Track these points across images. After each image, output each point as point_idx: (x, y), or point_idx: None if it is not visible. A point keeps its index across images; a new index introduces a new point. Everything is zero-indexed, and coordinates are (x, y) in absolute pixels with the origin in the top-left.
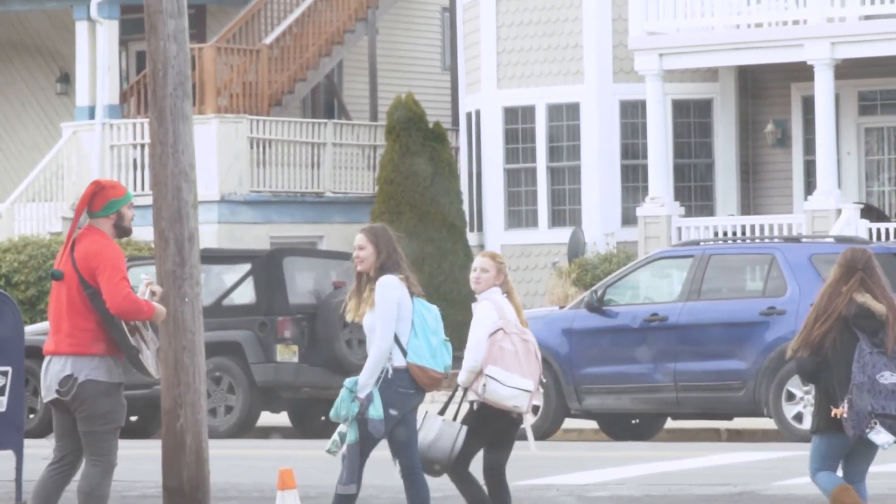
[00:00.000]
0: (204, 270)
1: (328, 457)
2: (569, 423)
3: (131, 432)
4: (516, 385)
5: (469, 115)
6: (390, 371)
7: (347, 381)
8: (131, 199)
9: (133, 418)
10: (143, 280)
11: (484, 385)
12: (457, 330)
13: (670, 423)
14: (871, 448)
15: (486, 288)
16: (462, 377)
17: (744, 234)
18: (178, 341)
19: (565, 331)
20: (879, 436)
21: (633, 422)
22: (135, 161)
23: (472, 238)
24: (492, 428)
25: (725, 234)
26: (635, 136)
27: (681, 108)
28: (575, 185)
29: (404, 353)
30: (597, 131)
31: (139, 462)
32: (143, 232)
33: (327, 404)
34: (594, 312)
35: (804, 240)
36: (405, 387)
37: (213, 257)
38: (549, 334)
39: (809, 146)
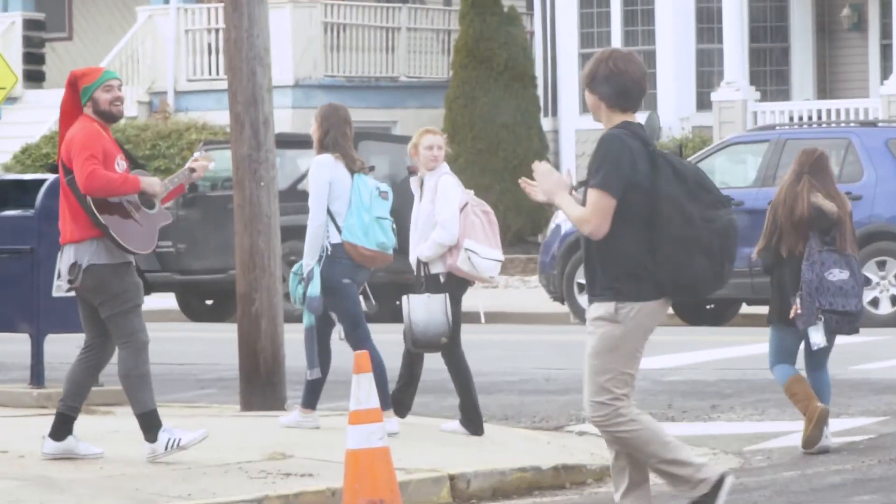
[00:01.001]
0: (279, 155)
1: (400, 339)
2: None
3: (206, 316)
4: (491, 256)
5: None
6: (329, 248)
7: (294, 266)
8: (107, 80)
9: (208, 302)
10: (193, 157)
11: (469, 259)
12: (532, 214)
13: (745, 309)
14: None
15: (440, 164)
16: (429, 251)
17: (819, 118)
18: (253, 225)
19: None
20: (815, 335)
21: (709, 307)
22: (209, 46)
23: (546, 123)
24: (456, 299)
25: (801, 118)
26: (710, 20)
27: None
28: (650, 69)
29: (339, 230)
30: (672, 15)
31: (214, 345)
32: (220, 116)
33: (402, 288)
34: None
35: (880, 124)
36: (349, 259)
37: (288, 142)
38: None
39: (886, 30)
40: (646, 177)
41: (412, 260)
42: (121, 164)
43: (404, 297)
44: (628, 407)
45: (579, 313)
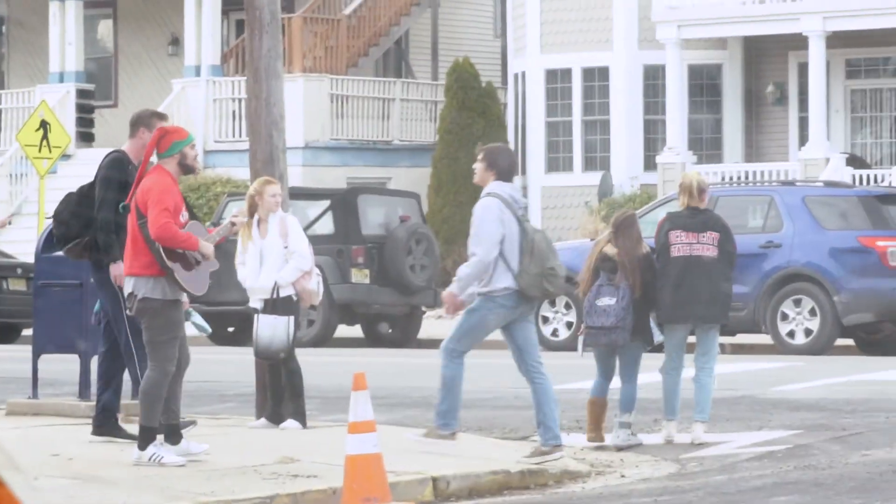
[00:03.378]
0: (291, 205)
1: (396, 363)
2: None
3: (229, 340)
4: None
5: (516, 76)
6: None
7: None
8: (193, 141)
9: (230, 329)
10: (232, 213)
11: (318, 283)
12: None
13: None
14: (624, 354)
15: (279, 208)
16: (291, 276)
17: (747, 178)
18: None
19: None
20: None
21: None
22: (234, 112)
23: (516, 181)
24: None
25: (731, 178)
26: (656, 95)
27: (695, 72)
28: (605, 135)
29: None
30: (624, 91)
31: (234, 366)
32: (242, 172)
33: (395, 319)
34: None
35: (798, 184)
36: None
37: (299, 194)
38: (581, 262)
39: (804, 104)
40: None
41: (259, 285)
42: (184, 215)
43: (255, 316)
44: None
45: (543, 341)
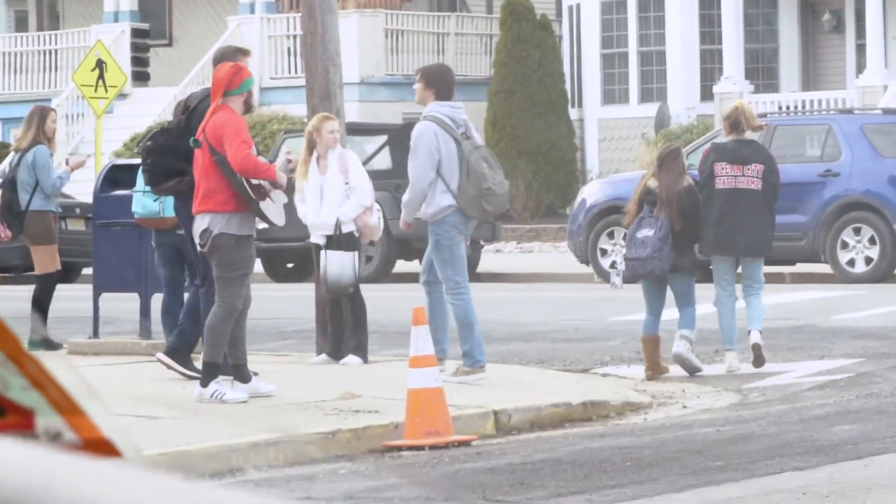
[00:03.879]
0: (348, 141)
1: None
2: None
3: (288, 277)
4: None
5: (570, 8)
6: None
7: None
8: (254, 82)
9: (290, 265)
10: (285, 151)
11: (379, 218)
12: (561, 189)
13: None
14: (653, 286)
15: (338, 143)
16: (352, 212)
17: (804, 107)
18: None
19: None
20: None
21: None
22: (289, 49)
23: (573, 113)
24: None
25: (788, 107)
26: (711, 25)
27: (750, 1)
28: (661, 66)
29: None
30: (679, 21)
31: (294, 301)
32: (298, 108)
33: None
34: None
35: (856, 112)
36: None
37: (356, 130)
38: None
39: (860, 32)
40: None
41: (322, 221)
42: (254, 150)
43: (322, 252)
44: None
45: (602, 274)
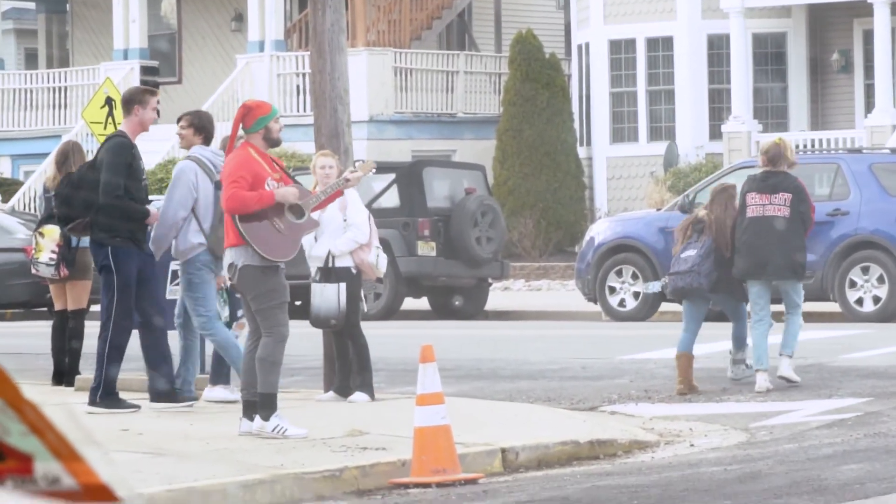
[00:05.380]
0: None
1: (462, 334)
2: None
3: (296, 314)
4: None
5: (580, 47)
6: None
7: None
8: (277, 114)
9: (297, 303)
10: (349, 169)
11: (377, 256)
12: (570, 227)
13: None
14: (693, 306)
15: (332, 180)
16: (344, 247)
17: (813, 146)
18: None
19: (661, 229)
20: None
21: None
22: (298, 87)
23: (581, 151)
24: (356, 289)
25: (797, 146)
26: (720, 64)
27: (759, 41)
28: (670, 105)
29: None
30: (687, 60)
31: (302, 339)
32: (306, 146)
33: (461, 291)
34: (686, 213)
35: (865, 151)
36: None
37: None
38: (648, 232)
39: (869, 72)
40: None
41: (315, 254)
42: (270, 184)
43: (312, 285)
44: None
45: (610, 312)
